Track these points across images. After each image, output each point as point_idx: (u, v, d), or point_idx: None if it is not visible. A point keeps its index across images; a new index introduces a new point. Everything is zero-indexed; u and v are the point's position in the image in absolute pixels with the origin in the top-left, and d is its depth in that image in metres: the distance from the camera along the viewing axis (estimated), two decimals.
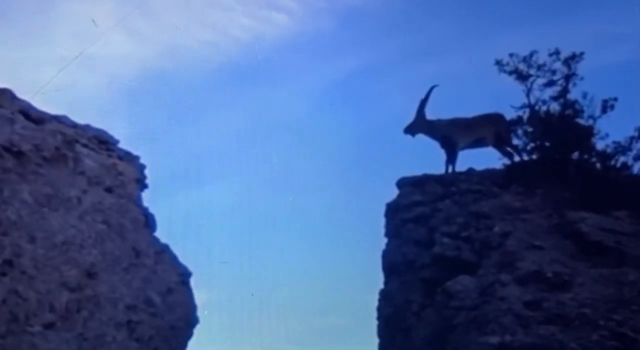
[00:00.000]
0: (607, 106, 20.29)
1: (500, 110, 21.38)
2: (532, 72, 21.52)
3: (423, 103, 20.56)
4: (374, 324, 19.64)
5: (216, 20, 44.42)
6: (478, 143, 20.84)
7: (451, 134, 20.57)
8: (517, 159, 21.01)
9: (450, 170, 20.63)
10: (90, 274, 11.94)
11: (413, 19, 51.08)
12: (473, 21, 49.02)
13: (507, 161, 21.13)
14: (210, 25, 45.43)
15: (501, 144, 20.93)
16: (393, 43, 52.65)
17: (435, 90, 20.31)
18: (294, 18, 49.92)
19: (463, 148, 20.68)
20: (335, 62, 52.98)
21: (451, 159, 20.60)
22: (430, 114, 20.64)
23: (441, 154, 20.79)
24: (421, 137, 20.80)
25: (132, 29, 46.02)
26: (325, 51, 53.12)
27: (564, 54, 21.24)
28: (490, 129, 20.75)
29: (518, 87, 21.65)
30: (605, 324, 13.10)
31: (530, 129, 21.24)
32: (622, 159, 19.83)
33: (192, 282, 15.48)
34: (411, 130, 20.74)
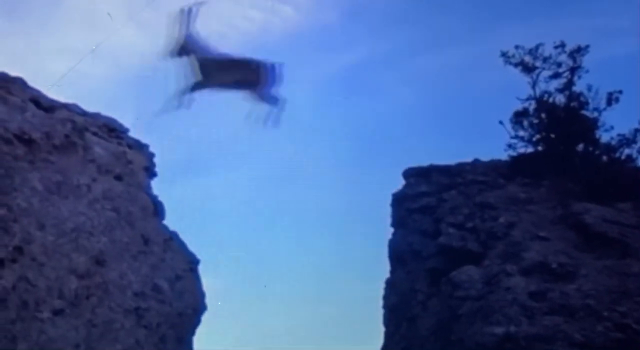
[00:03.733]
0: (612, 99, 20.36)
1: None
2: (537, 64, 21.57)
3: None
4: (379, 313, 19.78)
5: (223, 11, 44.48)
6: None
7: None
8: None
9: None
10: (99, 261, 11.99)
11: (418, 12, 51.37)
12: (477, 14, 49.19)
13: (512, 153, 21.17)
14: (216, 17, 45.52)
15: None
16: (398, 35, 52.93)
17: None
18: (300, 10, 50.05)
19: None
20: (341, 54, 53.18)
21: None
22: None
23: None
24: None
25: (139, 20, 46.04)
26: (330, 43, 53.40)
27: (569, 47, 21.29)
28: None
29: (522, 80, 21.71)
30: (609, 315, 13.19)
31: (536, 121, 21.28)
32: (626, 151, 19.92)
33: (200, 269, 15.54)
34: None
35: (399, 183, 21.29)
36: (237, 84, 14.74)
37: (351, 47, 55.08)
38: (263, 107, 14.13)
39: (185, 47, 13.52)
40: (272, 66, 14.85)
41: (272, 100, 14.03)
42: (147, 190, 15.10)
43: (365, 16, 52.02)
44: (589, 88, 20.68)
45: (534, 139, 21.18)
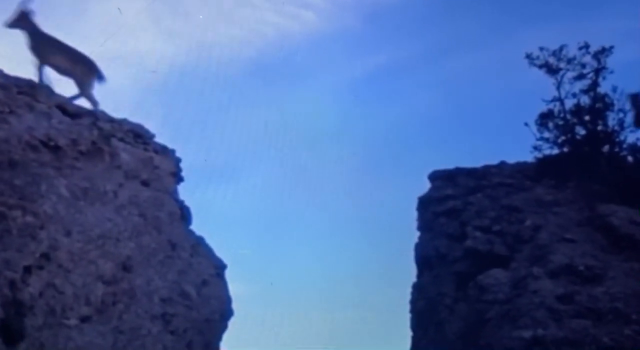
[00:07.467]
0: (637, 99, 20.23)
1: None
2: (562, 65, 21.53)
3: None
4: (405, 317, 19.76)
5: (244, 17, 44.60)
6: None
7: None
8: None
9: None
10: (126, 267, 11.97)
11: (439, 15, 51.37)
12: (496, 17, 49.14)
13: (538, 154, 21.09)
14: (238, 22, 45.57)
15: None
16: (420, 39, 52.98)
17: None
18: (321, 15, 50.15)
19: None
20: (362, 59, 53.24)
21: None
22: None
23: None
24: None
25: (163, 26, 46.31)
26: (351, 48, 53.44)
27: (593, 48, 21.23)
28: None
29: (546, 81, 21.68)
30: (638, 318, 13.12)
31: (561, 122, 21.20)
32: None
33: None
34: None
35: (423, 187, 21.29)
36: (67, 71, 14.77)
37: (373, 51, 55.18)
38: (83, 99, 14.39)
39: (19, 22, 13.99)
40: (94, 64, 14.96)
41: (92, 98, 14.44)
42: (174, 195, 15.10)
43: (387, 20, 52.13)
44: (614, 89, 20.61)
45: (560, 140, 21.10)
